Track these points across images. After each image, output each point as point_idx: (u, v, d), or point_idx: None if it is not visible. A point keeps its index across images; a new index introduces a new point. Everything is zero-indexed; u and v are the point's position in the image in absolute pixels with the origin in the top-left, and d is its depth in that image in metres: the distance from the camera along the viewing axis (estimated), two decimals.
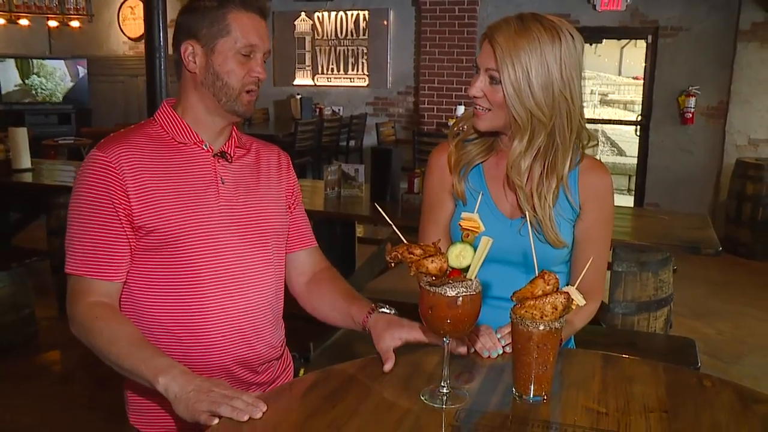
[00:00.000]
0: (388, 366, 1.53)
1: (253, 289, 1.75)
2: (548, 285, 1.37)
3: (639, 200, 8.15)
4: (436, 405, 1.40)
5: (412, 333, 1.59)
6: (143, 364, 1.47)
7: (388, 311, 1.72)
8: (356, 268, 4.97)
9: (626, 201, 9.94)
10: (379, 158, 4.37)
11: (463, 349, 1.56)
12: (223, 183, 1.74)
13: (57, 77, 10.44)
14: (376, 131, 8.79)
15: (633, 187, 9.52)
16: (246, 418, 1.31)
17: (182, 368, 1.46)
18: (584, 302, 1.38)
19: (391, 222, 1.44)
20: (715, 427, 1.35)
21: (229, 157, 1.78)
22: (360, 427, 1.31)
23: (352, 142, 9.35)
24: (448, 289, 1.35)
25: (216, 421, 1.32)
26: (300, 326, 2.23)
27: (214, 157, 1.75)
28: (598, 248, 1.79)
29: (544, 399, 1.43)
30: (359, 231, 5.66)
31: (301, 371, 1.90)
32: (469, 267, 1.39)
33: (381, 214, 1.46)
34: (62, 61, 10.54)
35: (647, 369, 1.62)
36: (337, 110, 9.58)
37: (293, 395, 1.48)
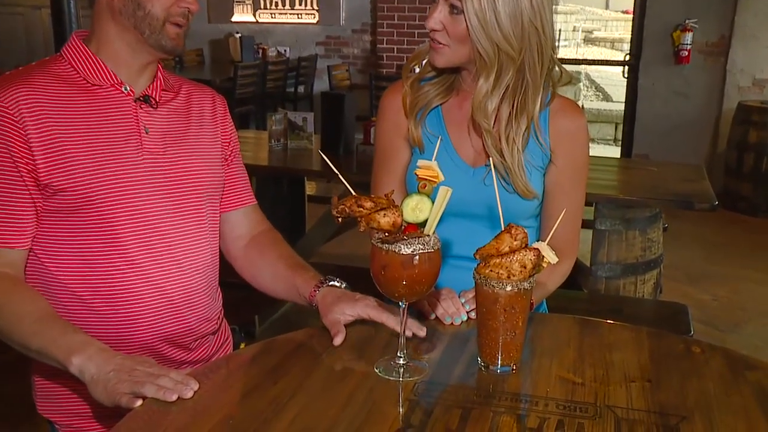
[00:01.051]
0: (337, 340, 1.54)
1: (184, 255, 1.74)
2: (516, 240, 1.38)
3: (627, 151, 8.22)
4: (391, 378, 1.42)
5: (367, 309, 1.59)
6: (54, 343, 1.46)
7: (338, 285, 1.72)
8: (306, 230, 4.98)
9: (612, 152, 10.07)
10: (330, 105, 4.36)
11: (422, 333, 1.57)
12: (146, 132, 1.71)
13: None
14: (328, 75, 8.73)
15: (620, 136, 9.61)
16: (174, 397, 1.31)
17: (100, 345, 1.45)
18: (556, 260, 1.40)
19: (336, 169, 1.44)
20: (703, 396, 1.39)
21: (153, 101, 1.74)
22: (305, 404, 1.32)
23: (300, 88, 9.28)
24: (402, 246, 1.36)
25: (139, 402, 1.32)
26: (243, 297, 2.22)
27: (135, 101, 1.71)
28: (572, 199, 1.82)
29: (513, 369, 1.46)
30: (309, 188, 5.65)
31: (242, 346, 1.90)
32: (426, 221, 1.40)
33: (327, 163, 1.46)
34: None
35: (629, 335, 1.66)
36: (282, 51, 9.49)
37: (229, 371, 1.49)
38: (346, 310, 1.60)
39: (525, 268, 1.38)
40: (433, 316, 1.67)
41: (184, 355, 1.79)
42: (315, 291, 1.70)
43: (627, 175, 4.45)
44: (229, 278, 1.93)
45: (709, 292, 5.25)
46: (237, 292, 2.05)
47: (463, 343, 1.58)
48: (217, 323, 1.87)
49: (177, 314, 1.74)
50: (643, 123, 8.12)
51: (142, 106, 1.72)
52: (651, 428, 1.28)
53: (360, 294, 1.65)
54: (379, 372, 1.43)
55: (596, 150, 10.33)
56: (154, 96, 1.75)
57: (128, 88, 1.71)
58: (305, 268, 1.80)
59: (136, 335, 1.69)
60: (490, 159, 1.70)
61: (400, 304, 1.44)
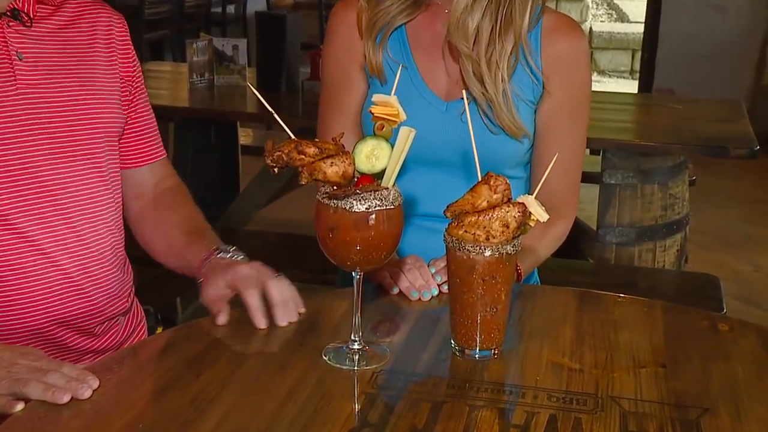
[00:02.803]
0: (220, 319, 1.57)
1: (82, 219, 1.75)
2: (496, 193, 1.40)
3: (646, 85, 8.21)
4: (344, 367, 1.44)
5: (234, 278, 1.60)
6: None
7: (230, 256, 1.72)
8: (241, 189, 4.95)
9: (628, 86, 10.09)
10: (268, 29, 4.33)
11: (283, 322, 1.58)
12: (20, 59, 1.69)
13: None
14: None
15: (638, 66, 9.65)
16: (67, 398, 1.31)
17: None
18: (546, 216, 1.41)
19: (272, 110, 1.44)
20: (730, 383, 1.43)
21: (25, 17, 1.71)
22: (236, 401, 1.34)
23: (229, 8, 9.21)
24: (355, 202, 1.37)
25: (20, 406, 1.31)
26: (160, 275, 2.22)
27: (0, 18, 1.69)
28: (569, 142, 1.86)
29: (494, 354, 1.48)
30: (244, 137, 5.61)
31: (159, 331, 1.92)
32: (384, 171, 1.41)
33: (263, 103, 1.46)
34: None
35: (639, 310, 1.70)
36: None
37: (139, 363, 1.50)
38: (218, 280, 1.62)
39: (507, 227, 1.39)
40: (396, 291, 1.70)
41: (87, 343, 1.81)
42: (203, 264, 1.71)
43: (645, 114, 4.48)
44: (144, 252, 1.93)
45: (749, 261, 5.30)
46: (152, 269, 2.05)
47: (433, 323, 1.61)
48: (127, 302, 1.89)
49: (76, 291, 1.74)
50: (667, 49, 8.08)
51: (11, 23, 1.70)
52: (665, 423, 1.30)
53: (248, 263, 1.66)
54: (329, 360, 1.46)
55: (607, 84, 10.36)
56: (25, 10, 1.71)
57: None
58: (202, 236, 1.81)
59: (23, 320, 1.69)
60: (465, 90, 1.72)
61: (354, 274, 1.46)
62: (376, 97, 1.44)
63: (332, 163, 1.37)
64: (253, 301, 1.56)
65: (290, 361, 1.46)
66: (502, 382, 1.43)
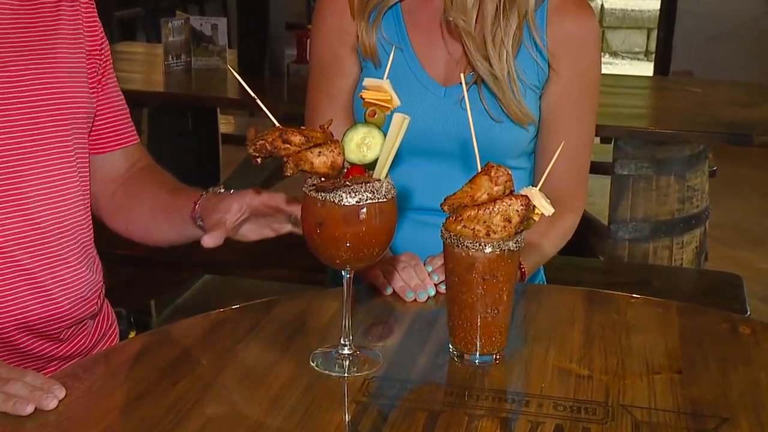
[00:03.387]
0: (208, 241, 1.58)
1: (47, 213, 1.74)
2: (497, 185, 1.40)
3: (662, 67, 8.22)
4: (334, 373, 1.45)
5: (256, 197, 1.64)
6: None
7: (224, 191, 1.76)
8: (221, 181, 4.95)
9: (643, 69, 10.10)
10: (249, 7, 4.34)
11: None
12: None
13: None
14: None
15: (653, 47, 9.66)
16: (30, 409, 1.30)
17: None
18: (552, 210, 1.41)
19: (254, 94, 1.44)
20: (752, 390, 1.44)
21: None
22: (216, 411, 1.34)
23: None
24: (344, 194, 1.37)
25: None
26: (133, 275, 2.22)
27: None
28: (577, 129, 1.86)
29: (495, 359, 1.49)
30: (225, 124, 5.62)
31: (132, 335, 1.91)
32: (376, 162, 1.41)
33: (244, 87, 1.47)
34: None
35: (654, 311, 1.71)
36: None
37: (111, 370, 1.50)
38: (233, 204, 1.65)
39: (510, 222, 1.40)
40: (389, 291, 1.71)
41: (52, 349, 1.80)
42: (198, 201, 1.74)
43: (661, 99, 4.48)
44: (114, 249, 1.93)
45: None
46: (124, 269, 2.05)
47: (430, 326, 1.61)
48: (97, 304, 1.88)
49: (40, 292, 1.74)
50: (685, 28, 8.07)
51: None
52: None
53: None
54: (317, 366, 1.46)
55: (620, 67, 10.38)
56: None
57: None
58: (189, 189, 1.84)
59: None
60: (463, 74, 1.72)
61: (344, 273, 1.46)
62: (367, 82, 1.44)
63: (320, 152, 1.37)
64: (282, 204, 1.64)
65: (275, 367, 1.47)
66: (504, 389, 1.44)
